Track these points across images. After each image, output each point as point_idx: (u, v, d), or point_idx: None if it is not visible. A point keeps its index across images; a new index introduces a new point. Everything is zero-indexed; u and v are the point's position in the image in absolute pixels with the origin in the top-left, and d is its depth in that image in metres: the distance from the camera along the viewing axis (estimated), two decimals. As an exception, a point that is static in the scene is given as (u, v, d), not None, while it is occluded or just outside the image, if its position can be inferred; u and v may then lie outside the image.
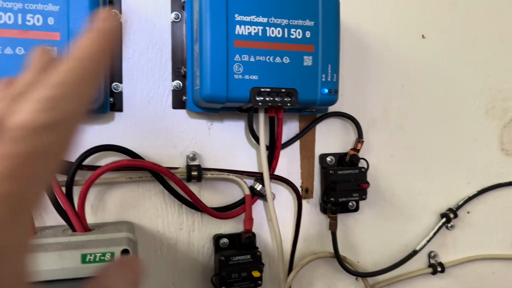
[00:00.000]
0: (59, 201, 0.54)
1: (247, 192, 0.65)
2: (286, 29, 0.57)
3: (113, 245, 0.49)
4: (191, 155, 0.64)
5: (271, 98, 0.57)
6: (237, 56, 0.56)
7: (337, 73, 0.60)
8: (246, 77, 0.56)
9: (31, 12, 0.48)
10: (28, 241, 0.16)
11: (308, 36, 0.59)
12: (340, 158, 0.71)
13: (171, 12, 0.62)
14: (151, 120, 0.63)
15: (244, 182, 0.65)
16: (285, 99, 0.58)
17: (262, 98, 0.57)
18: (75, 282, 0.47)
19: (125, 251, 0.49)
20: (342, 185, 0.68)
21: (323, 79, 0.59)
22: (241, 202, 0.67)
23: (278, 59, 0.57)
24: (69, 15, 0.49)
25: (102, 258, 0.48)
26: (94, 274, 0.41)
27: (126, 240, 0.51)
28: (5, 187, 0.14)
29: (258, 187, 0.66)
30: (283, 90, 0.58)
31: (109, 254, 0.48)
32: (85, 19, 0.50)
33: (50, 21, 0.49)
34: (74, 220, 0.54)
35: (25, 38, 0.48)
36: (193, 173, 0.62)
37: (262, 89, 0.57)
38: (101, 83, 0.52)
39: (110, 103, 0.59)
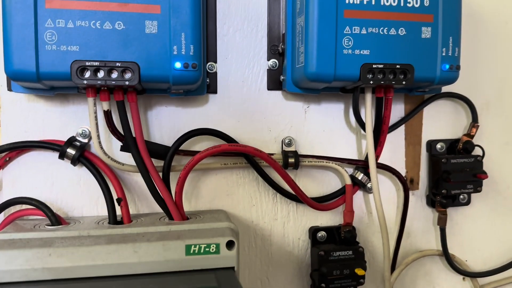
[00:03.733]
0: (157, 187, 0.50)
1: (348, 182, 0.59)
2: (402, -4, 0.50)
3: (217, 235, 0.45)
4: (287, 141, 0.59)
5: (384, 76, 0.51)
6: (347, 28, 0.50)
7: (459, 46, 0.53)
8: (357, 52, 0.50)
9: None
10: None
11: (426, 5, 0.51)
12: (451, 145, 0.63)
13: (268, -17, 0.57)
14: (245, 103, 0.58)
15: (345, 170, 0.59)
16: (400, 77, 0.51)
17: (373, 75, 0.50)
18: (178, 275, 0.43)
19: (230, 243, 0.45)
20: (457, 175, 0.60)
21: (444, 54, 0.52)
22: (340, 192, 0.61)
23: (392, 31, 0.51)
24: (169, -14, 0.45)
25: (207, 249, 0.44)
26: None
27: (230, 230, 0.47)
28: None
29: (359, 176, 0.60)
30: (397, 66, 0.51)
31: (214, 245, 0.44)
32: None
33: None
34: (172, 208, 0.51)
35: (125, 11, 0.45)
36: (290, 160, 0.57)
37: (374, 66, 0.50)
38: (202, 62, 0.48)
39: (206, 84, 0.55)
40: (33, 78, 0.44)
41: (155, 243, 0.44)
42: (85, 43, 0.44)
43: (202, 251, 0.44)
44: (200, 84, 0.52)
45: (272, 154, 0.58)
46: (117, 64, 0.44)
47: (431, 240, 0.66)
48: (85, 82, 0.44)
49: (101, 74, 0.44)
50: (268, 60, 0.58)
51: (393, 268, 0.63)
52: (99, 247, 0.43)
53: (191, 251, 0.44)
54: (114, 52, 0.44)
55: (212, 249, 0.44)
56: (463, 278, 0.68)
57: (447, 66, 0.52)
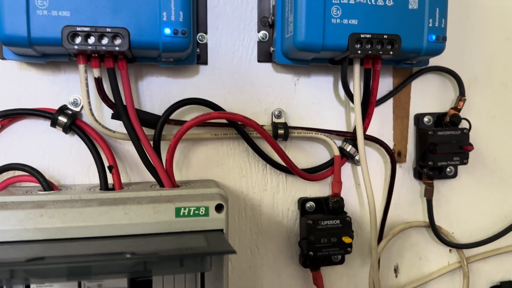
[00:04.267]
0: (148, 155, 0.51)
1: (337, 152, 0.60)
2: (390, -33, 0.51)
3: (206, 199, 0.46)
4: (276, 112, 0.60)
5: (371, 46, 0.52)
6: (336, -3, 0.50)
7: (445, 18, 0.53)
8: (345, 21, 0.51)
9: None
10: None
11: (414, -25, 0.52)
12: (439, 118, 0.64)
13: (259, -45, 0.58)
14: (236, 74, 0.59)
15: (334, 142, 0.60)
16: (387, 47, 0.52)
17: (361, 45, 0.51)
18: (168, 236, 0.44)
19: (219, 206, 0.46)
20: (443, 147, 0.61)
21: (430, 25, 0.53)
22: (329, 164, 0.62)
23: (380, 1, 0.51)
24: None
25: (196, 212, 0.45)
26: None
27: (219, 195, 0.48)
28: None
29: (348, 148, 0.61)
30: (385, 36, 0.51)
31: (203, 208, 0.45)
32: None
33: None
34: (163, 175, 0.51)
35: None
36: (279, 131, 0.58)
37: (362, 35, 0.51)
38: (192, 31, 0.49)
39: (197, 55, 0.55)
40: (25, 43, 0.44)
41: (145, 205, 0.45)
42: (76, 8, 0.44)
43: (191, 213, 0.45)
44: (190, 52, 0.52)
45: (262, 126, 0.58)
46: (108, 29, 0.45)
47: (418, 212, 0.67)
48: (76, 47, 0.44)
49: (91, 40, 0.45)
50: (258, 32, 0.59)
51: (380, 238, 0.64)
52: (90, 208, 0.44)
53: (181, 214, 0.45)
54: (105, 17, 0.45)
55: (202, 212, 0.45)
56: (450, 250, 0.69)
57: (434, 37, 0.53)
